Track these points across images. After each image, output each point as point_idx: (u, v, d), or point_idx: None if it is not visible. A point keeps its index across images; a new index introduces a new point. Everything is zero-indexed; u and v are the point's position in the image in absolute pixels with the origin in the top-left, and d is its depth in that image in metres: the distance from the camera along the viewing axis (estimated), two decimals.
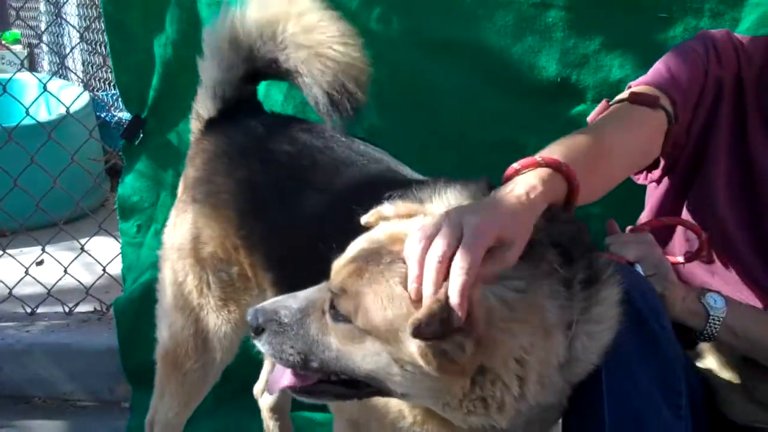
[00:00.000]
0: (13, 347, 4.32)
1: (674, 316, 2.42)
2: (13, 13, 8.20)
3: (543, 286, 2.02)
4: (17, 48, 8.79)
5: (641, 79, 2.71)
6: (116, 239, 4.44)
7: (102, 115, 6.29)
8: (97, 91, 7.03)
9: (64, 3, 7.33)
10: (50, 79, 5.90)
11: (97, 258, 4.75)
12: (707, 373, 2.66)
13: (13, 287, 4.69)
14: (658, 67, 2.70)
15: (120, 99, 4.26)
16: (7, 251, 4.87)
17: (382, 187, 2.29)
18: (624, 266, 2.32)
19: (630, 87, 2.70)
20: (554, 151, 2.23)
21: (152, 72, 3.92)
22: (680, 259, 2.69)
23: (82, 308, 4.63)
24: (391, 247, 2.04)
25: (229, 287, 2.92)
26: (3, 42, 8.39)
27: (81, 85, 6.84)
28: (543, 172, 2.14)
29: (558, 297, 2.04)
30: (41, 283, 4.68)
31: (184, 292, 2.97)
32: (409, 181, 2.48)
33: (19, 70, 5.98)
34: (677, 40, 3.30)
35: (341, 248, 2.13)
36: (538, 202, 2.09)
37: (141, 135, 4.00)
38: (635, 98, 2.58)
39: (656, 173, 2.77)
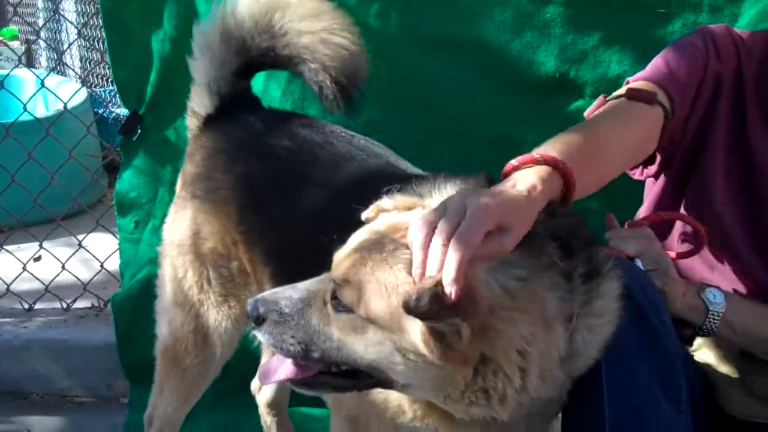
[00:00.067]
0: (11, 343, 4.32)
1: (674, 312, 2.42)
2: (11, 9, 8.17)
3: (543, 278, 2.03)
4: (15, 44, 8.76)
5: (639, 74, 2.71)
6: (114, 235, 4.43)
7: (100, 111, 6.29)
8: (95, 87, 7.02)
9: None
10: (48, 75, 5.90)
11: (94, 254, 4.75)
12: (706, 368, 2.67)
13: (11, 283, 4.70)
14: (657, 62, 2.70)
15: (118, 95, 4.25)
16: (5, 247, 4.87)
17: (381, 182, 2.29)
18: (624, 261, 2.32)
19: (628, 82, 2.70)
20: (551, 148, 2.23)
21: (150, 68, 3.92)
22: (672, 254, 2.68)
23: (80, 304, 4.63)
24: (393, 236, 2.04)
25: (229, 283, 2.92)
26: (0, 38, 8.36)
27: (79, 81, 6.83)
28: (542, 170, 2.15)
29: (558, 289, 2.04)
30: (39, 279, 4.68)
31: (184, 288, 2.97)
32: (408, 176, 2.48)
33: (16, 66, 5.97)
34: (676, 35, 3.30)
35: (341, 242, 2.12)
36: (539, 200, 2.10)
37: (139, 131, 4.00)
38: (632, 94, 2.58)
39: (652, 168, 2.77)
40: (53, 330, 4.43)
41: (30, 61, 8.56)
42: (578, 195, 2.25)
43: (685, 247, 2.72)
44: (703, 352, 2.69)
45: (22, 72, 6.26)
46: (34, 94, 5.36)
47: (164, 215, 3.24)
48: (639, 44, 3.39)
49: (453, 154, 3.48)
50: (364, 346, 2.02)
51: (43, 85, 5.10)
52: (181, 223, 2.98)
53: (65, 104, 5.14)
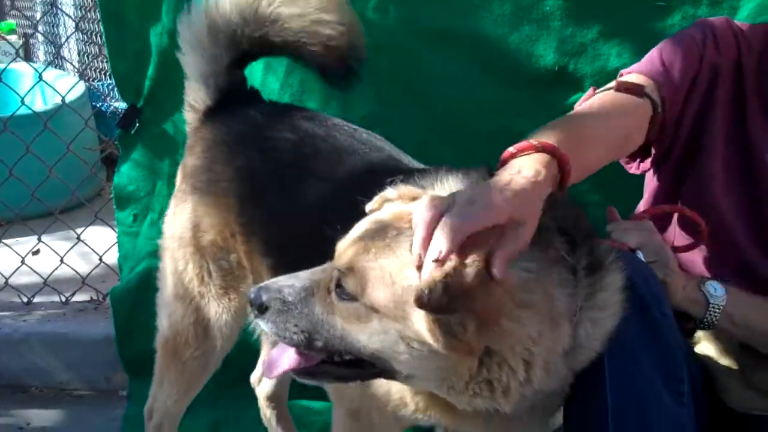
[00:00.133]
0: (10, 337, 4.31)
1: (675, 304, 2.42)
2: (8, 2, 8.17)
3: (552, 274, 2.03)
4: (12, 38, 8.75)
5: (634, 66, 2.72)
6: (112, 228, 4.43)
7: (98, 105, 6.28)
8: (93, 80, 7.01)
9: None
10: (45, 68, 5.89)
11: (93, 247, 4.74)
12: (706, 360, 2.67)
13: (9, 277, 4.69)
14: (652, 55, 2.71)
15: (116, 88, 4.25)
16: (3, 241, 4.87)
17: (383, 176, 2.28)
18: (625, 253, 2.32)
19: (622, 74, 2.72)
20: (543, 136, 2.24)
21: (148, 61, 3.92)
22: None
23: (79, 298, 4.62)
24: (396, 224, 2.04)
25: (229, 275, 2.91)
26: None
27: (76, 74, 6.82)
28: (542, 157, 2.15)
29: (567, 285, 2.05)
30: (37, 273, 4.68)
31: (184, 281, 2.96)
32: (410, 170, 2.49)
33: (14, 60, 5.95)
34: (675, 28, 3.30)
35: (344, 233, 2.12)
36: (544, 186, 2.10)
37: (137, 124, 4.00)
38: (620, 87, 2.59)
39: (648, 163, 2.78)
40: (52, 323, 4.42)
41: (28, 55, 8.56)
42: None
43: (685, 240, 2.72)
44: (703, 344, 2.70)
45: (20, 66, 6.25)
46: (32, 88, 5.35)
47: (162, 208, 3.24)
48: (638, 37, 3.39)
49: (452, 148, 3.47)
50: (368, 335, 2.02)
51: (41, 78, 5.09)
52: (181, 216, 2.98)
53: (63, 98, 5.13)
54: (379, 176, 2.31)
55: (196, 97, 3.06)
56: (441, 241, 1.91)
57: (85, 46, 7.42)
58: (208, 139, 2.98)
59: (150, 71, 3.91)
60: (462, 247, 1.92)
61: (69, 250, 4.77)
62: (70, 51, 7.61)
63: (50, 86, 5.33)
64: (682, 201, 2.72)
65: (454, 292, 1.88)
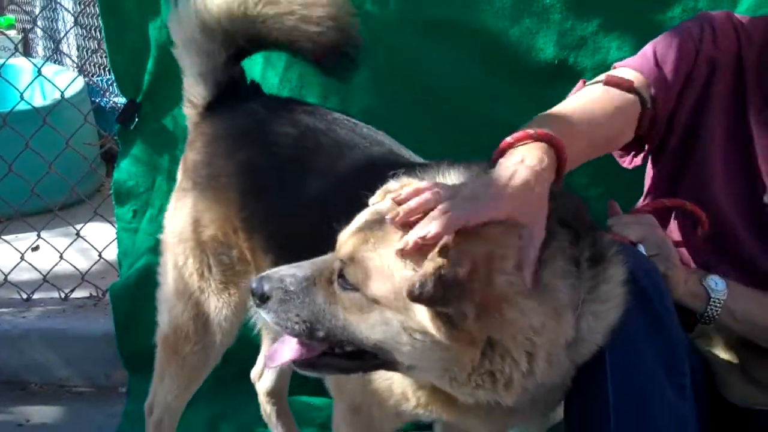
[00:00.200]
0: (9, 333, 4.31)
1: (676, 298, 2.42)
2: None
3: (555, 265, 2.02)
4: (11, 33, 8.74)
5: (627, 60, 2.73)
6: (112, 224, 4.42)
7: (97, 100, 6.27)
8: (92, 76, 7.01)
9: None
10: (45, 64, 5.88)
11: (92, 243, 4.74)
12: (706, 355, 2.66)
13: (9, 273, 4.69)
14: (646, 51, 2.71)
15: (115, 83, 4.23)
16: (3, 237, 4.86)
17: (385, 170, 2.29)
18: (627, 246, 2.32)
19: (615, 67, 2.72)
20: (533, 128, 2.24)
21: (147, 56, 3.90)
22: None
23: (78, 294, 4.62)
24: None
25: (229, 270, 2.90)
26: None
27: (76, 70, 6.81)
28: (541, 145, 2.16)
29: (569, 276, 2.05)
30: (37, 269, 4.67)
31: (184, 276, 2.96)
32: (412, 164, 2.48)
33: (13, 55, 5.95)
34: (675, 21, 3.30)
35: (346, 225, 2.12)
36: (548, 173, 2.11)
37: (136, 119, 3.98)
38: (609, 81, 2.59)
39: (640, 158, 2.77)
40: (51, 320, 4.42)
41: (27, 50, 8.55)
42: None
43: (686, 234, 2.71)
44: (703, 339, 2.69)
45: (19, 61, 6.25)
46: (31, 83, 5.34)
47: (162, 204, 3.22)
48: (638, 30, 3.37)
49: (452, 141, 3.46)
50: (370, 326, 2.01)
51: (40, 73, 5.08)
52: (182, 211, 2.97)
53: (62, 93, 5.12)
54: (380, 170, 2.31)
55: (194, 92, 3.05)
56: (432, 225, 1.92)
57: (84, 41, 7.42)
58: (209, 134, 2.97)
59: (149, 66, 3.90)
60: (459, 237, 1.92)
61: (68, 246, 4.76)
62: (69, 46, 7.62)
63: (49, 81, 5.32)
64: (682, 195, 2.71)
65: (448, 284, 1.88)
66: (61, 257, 4.70)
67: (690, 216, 2.64)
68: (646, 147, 2.75)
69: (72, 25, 6.99)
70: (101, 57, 6.84)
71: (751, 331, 2.59)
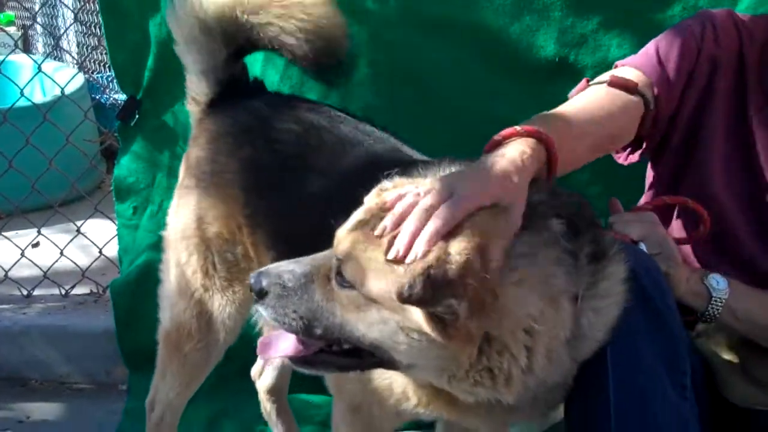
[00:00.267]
0: (10, 329, 4.31)
1: (677, 297, 2.41)
2: None
3: (548, 253, 2.02)
4: (11, 29, 8.74)
5: (629, 59, 2.72)
6: (112, 221, 4.42)
7: (97, 97, 6.27)
8: (92, 72, 7.00)
9: None
10: (45, 60, 5.88)
11: (93, 240, 4.74)
12: (707, 354, 2.66)
13: (9, 269, 4.69)
14: (648, 49, 2.70)
15: (115, 80, 4.23)
16: (3, 233, 4.87)
17: (388, 167, 2.27)
18: (628, 244, 2.31)
19: (617, 65, 2.72)
20: (531, 125, 2.25)
21: (147, 52, 3.90)
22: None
23: (79, 290, 4.62)
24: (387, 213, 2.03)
25: (234, 268, 2.90)
26: None
27: (76, 66, 6.80)
28: (527, 140, 2.17)
29: (564, 263, 2.03)
30: (37, 266, 4.67)
31: (187, 273, 2.95)
32: (414, 161, 2.48)
33: (13, 52, 5.95)
34: (676, 19, 3.29)
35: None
36: (529, 165, 2.12)
37: (137, 116, 3.98)
38: (613, 81, 2.58)
39: (637, 155, 2.77)
40: (52, 316, 4.42)
41: (27, 47, 8.55)
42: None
43: (687, 232, 2.71)
44: (704, 338, 2.69)
45: (19, 57, 6.25)
46: (31, 80, 5.34)
47: (162, 201, 3.22)
48: (639, 28, 3.38)
49: (452, 138, 3.45)
50: (367, 324, 2.01)
51: (40, 70, 5.08)
52: (185, 208, 2.96)
53: (62, 89, 5.12)
54: (383, 167, 2.30)
55: (197, 89, 3.05)
56: (420, 237, 1.93)
57: (84, 37, 7.42)
58: (212, 130, 2.97)
59: (149, 62, 3.90)
60: (446, 235, 1.93)
61: (69, 242, 4.76)
62: (69, 42, 7.61)
63: (49, 78, 5.32)
64: (683, 194, 2.71)
65: (437, 284, 1.87)
66: (61, 254, 4.70)
67: (692, 214, 2.64)
68: (644, 145, 2.74)
69: (72, 21, 6.97)
70: (101, 53, 6.84)
71: (752, 331, 2.58)
